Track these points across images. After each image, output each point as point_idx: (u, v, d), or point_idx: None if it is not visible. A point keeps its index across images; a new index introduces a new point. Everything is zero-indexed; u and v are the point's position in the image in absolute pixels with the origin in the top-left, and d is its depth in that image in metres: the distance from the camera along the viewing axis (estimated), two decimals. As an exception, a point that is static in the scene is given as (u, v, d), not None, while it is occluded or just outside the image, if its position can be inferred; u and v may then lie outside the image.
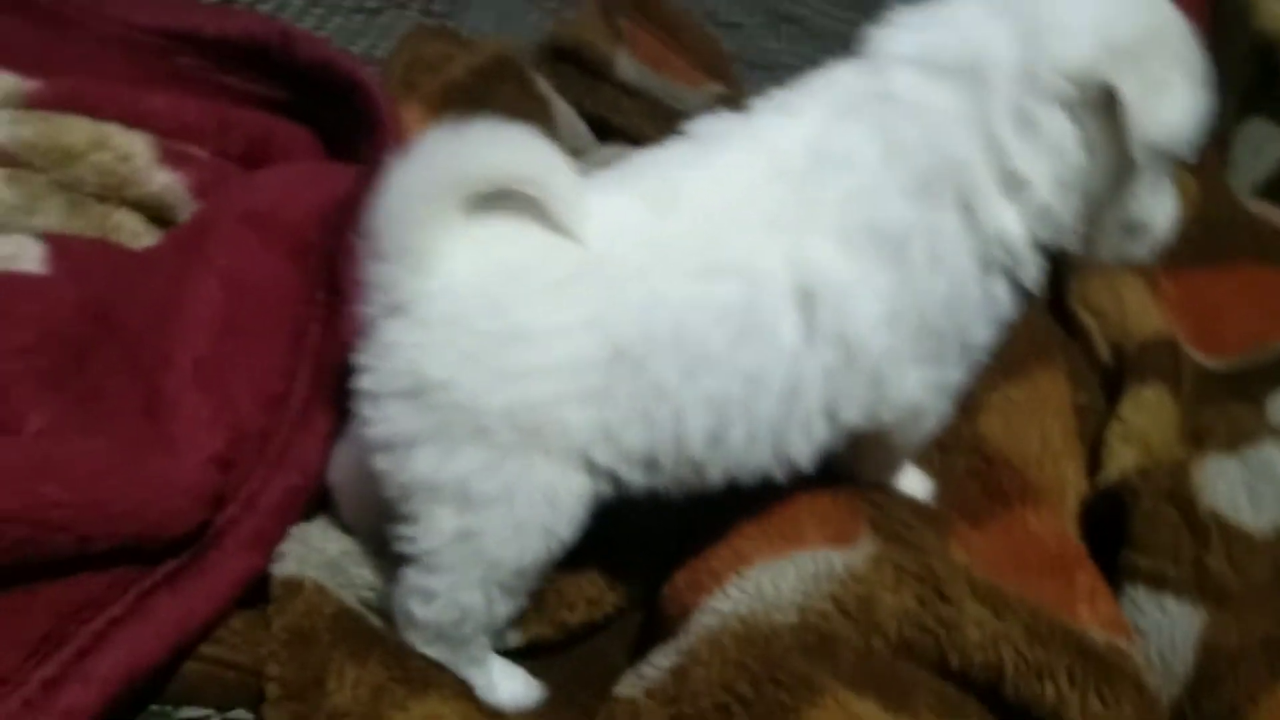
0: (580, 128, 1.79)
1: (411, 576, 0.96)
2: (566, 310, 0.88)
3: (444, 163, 0.86)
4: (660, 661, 0.93)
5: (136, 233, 1.32)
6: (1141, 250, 1.00)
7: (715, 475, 0.95)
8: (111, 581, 1.01)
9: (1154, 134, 0.87)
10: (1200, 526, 1.16)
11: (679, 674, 0.90)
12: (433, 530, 0.92)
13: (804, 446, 0.95)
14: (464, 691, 0.99)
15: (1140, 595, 1.15)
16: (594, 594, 1.10)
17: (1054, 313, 1.63)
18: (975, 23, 0.92)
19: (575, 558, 1.10)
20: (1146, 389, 1.43)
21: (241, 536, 1.07)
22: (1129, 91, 0.86)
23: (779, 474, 0.96)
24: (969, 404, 1.35)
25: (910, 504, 1.08)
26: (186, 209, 1.34)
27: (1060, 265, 1.63)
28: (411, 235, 0.86)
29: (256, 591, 1.06)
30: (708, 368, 0.90)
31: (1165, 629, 1.12)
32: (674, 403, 0.90)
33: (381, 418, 0.89)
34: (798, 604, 0.92)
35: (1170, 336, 1.52)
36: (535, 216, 0.88)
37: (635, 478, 0.93)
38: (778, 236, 0.91)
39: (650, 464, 0.93)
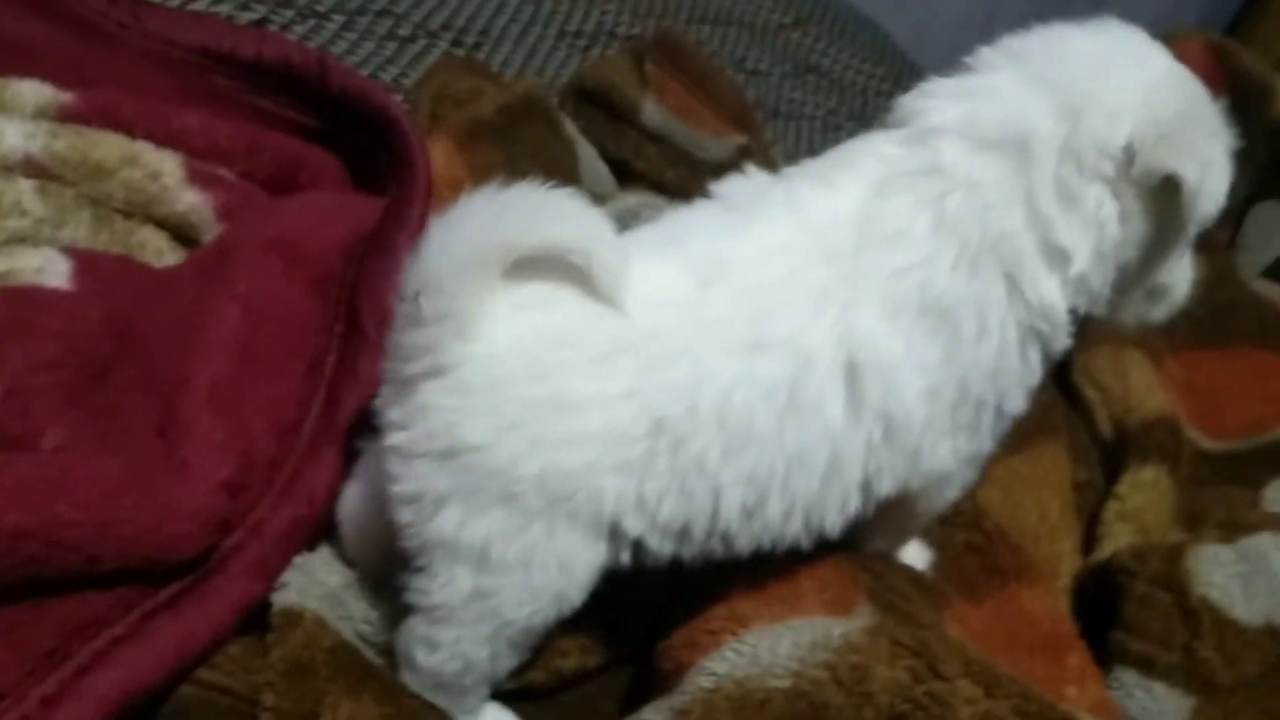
0: (603, 171, 1.81)
1: (419, 625, 0.96)
2: (609, 382, 0.88)
3: (489, 228, 0.86)
4: (653, 717, 0.94)
5: (161, 250, 1.33)
6: (1161, 314, 1.03)
7: (744, 546, 0.96)
8: (115, 601, 1.02)
9: (1209, 212, 0.91)
10: (1192, 613, 1.17)
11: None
12: (448, 587, 0.92)
13: (837, 519, 0.97)
14: (450, 723, 1.00)
15: (1129, 678, 1.17)
16: (588, 643, 1.12)
17: (1059, 387, 1.64)
18: (1016, 96, 0.93)
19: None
20: (1145, 468, 1.45)
21: (246, 563, 1.08)
22: (1190, 175, 0.88)
23: (807, 544, 0.98)
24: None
25: (909, 575, 1.09)
26: (211, 230, 1.35)
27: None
28: (455, 300, 0.86)
29: (255, 619, 1.07)
30: (751, 445, 0.91)
31: (1153, 714, 1.13)
32: (714, 479, 0.91)
33: (411, 476, 0.89)
34: (792, 670, 0.93)
35: (1171, 416, 1.53)
36: (575, 282, 0.89)
37: (665, 548, 0.95)
38: (825, 312, 0.91)
39: (683, 535, 0.94)
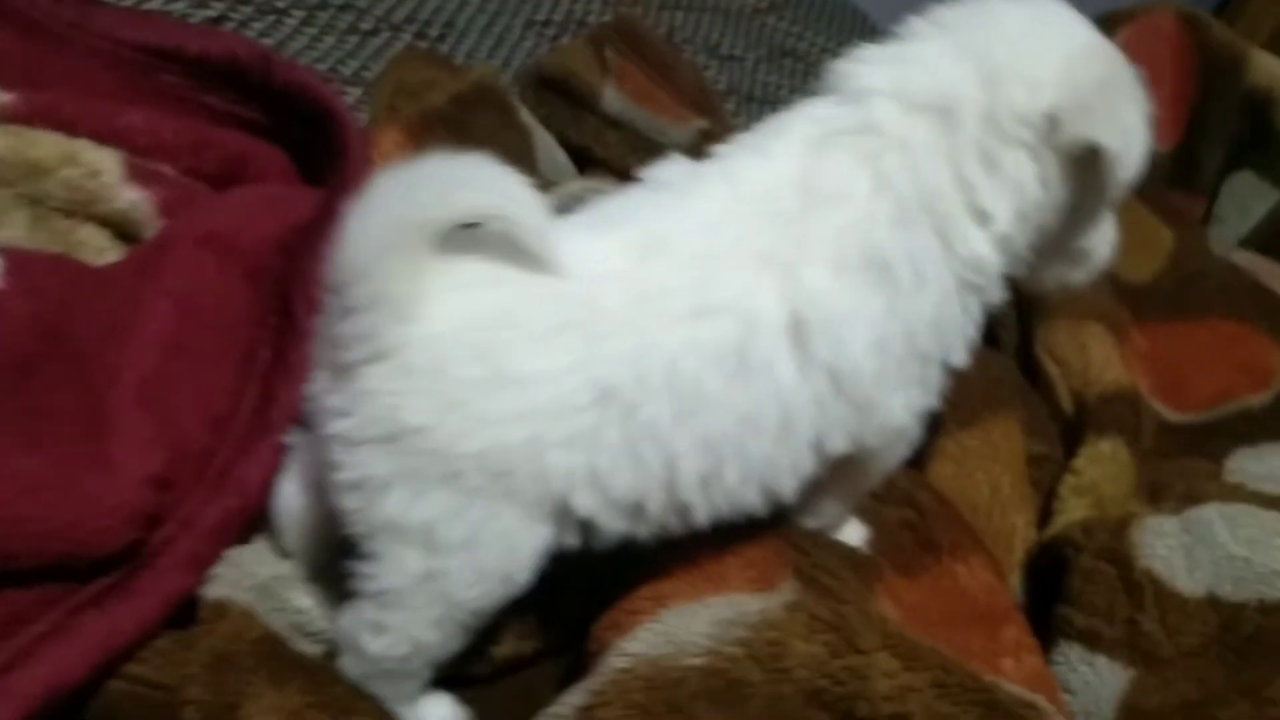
0: (561, 159, 1.80)
1: (366, 610, 0.96)
2: (552, 357, 0.88)
3: (403, 205, 0.86)
4: (571, 700, 0.94)
5: (101, 249, 1.33)
6: (1081, 276, 1.07)
7: (701, 518, 0.96)
8: (38, 598, 1.02)
9: (1130, 177, 0.94)
10: (1135, 586, 1.16)
11: (585, 714, 0.90)
12: (397, 571, 0.92)
13: (791, 481, 0.97)
14: (383, 714, 1.00)
15: (1073, 653, 1.16)
16: (522, 629, 1.11)
17: (1019, 362, 1.63)
18: (943, 63, 0.95)
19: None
20: (1103, 441, 1.44)
21: (176, 557, 1.08)
22: (1112, 144, 0.91)
23: (763, 510, 0.98)
24: (920, 449, 1.36)
25: (841, 552, 1.08)
26: (152, 227, 1.35)
27: (1027, 313, 1.64)
28: (385, 283, 0.86)
29: (185, 612, 1.07)
30: (702, 409, 0.91)
31: (1093, 688, 1.12)
32: (667, 447, 0.91)
33: (354, 463, 0.89)
34: (707, 648, 0.92)
35: (1132, 389, 1.52)
36: (515, 259, 0.89)
37: (617, 525, 0.94)
38: (770, 273, 0.92)
39: (637, 510, 0.93)
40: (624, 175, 1.83)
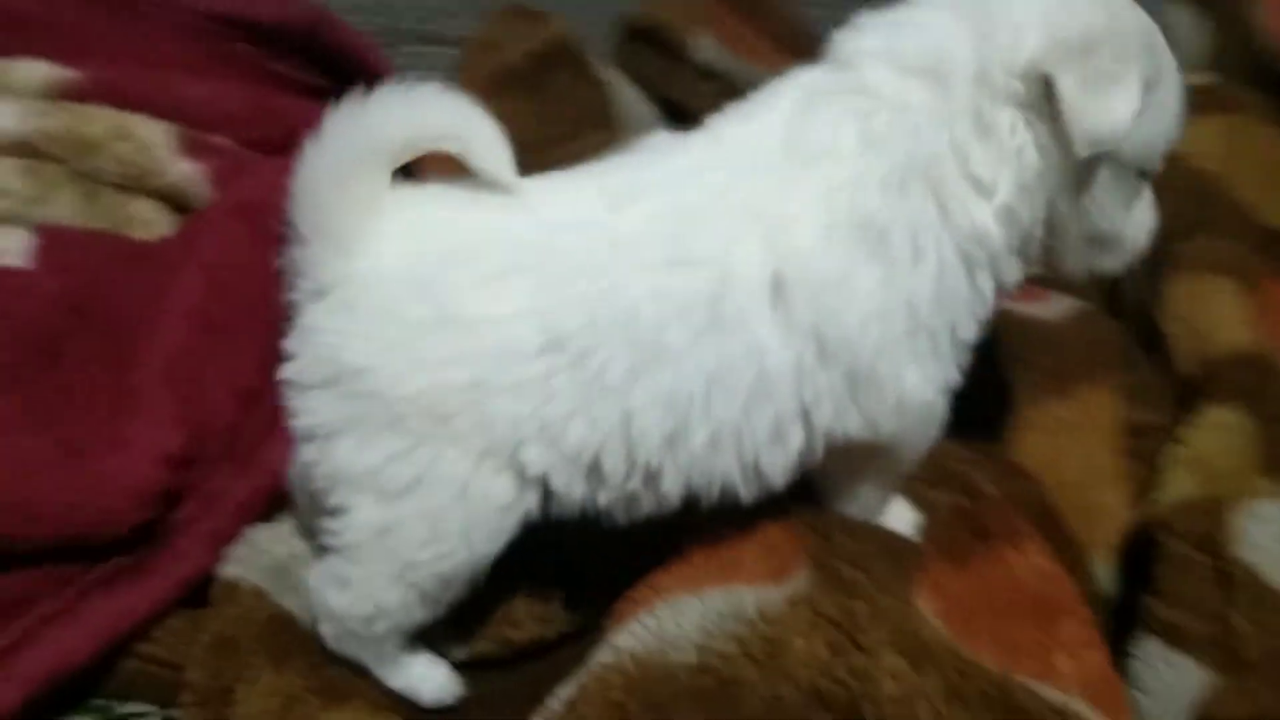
0: (645, 113, 1.73)
1: (331, 564, 0.93)
2: (501, 302, 0.84)
3: (356, 128, 0.83)
4: (562, 693, 0.89)
5: (153, 222, 1.33)
6: (1113, 263, 0.96)
7: (672, 486, 0.89)
8: (49, 577, 1.03)
9: (1096, 130, 0.83)
10: (1228, 579, 1.03)
11: (569, 709, 0.84)
12: (354, 523, 0.89)
13: (776, 456, 0.89)
14: (385, 703, 0.97)
15: (1153, 648, 1.04)
16: (545, 613, 1.06)
17: (1140, 319, 1.49)
18: (939, 25, 0.88)
19: (534, 575, 1.06)
20: (1221, 409, 1.29)
21: (198, 535, 1.07)
22: (1066, 85, 0.82)
23: (747, 489, 0.91)
24: (1010, 421, 1.25)
25: (879, 539, 0.98)
26: (206, 198, 1.34)
27: (1150, 266, 1.49)
28: (331, 214, 0.83)
29: (203, 591, 1.06)
30: (665, 363, 0.85)
31: (1170, 689, 1.01)
32: (623, 401, 0.85)
33: (304, 408, 0.87)
34: (697, 644, 0.85)
35: (1259, 352, 1.36)
36: (478, 204, 0.86)
37: (575, 488, 0.88)
38: (754, 229, 0.86)
39: (594, 470, 0.87)
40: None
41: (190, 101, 1.42)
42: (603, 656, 0.86)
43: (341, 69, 1.46)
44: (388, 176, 0.85)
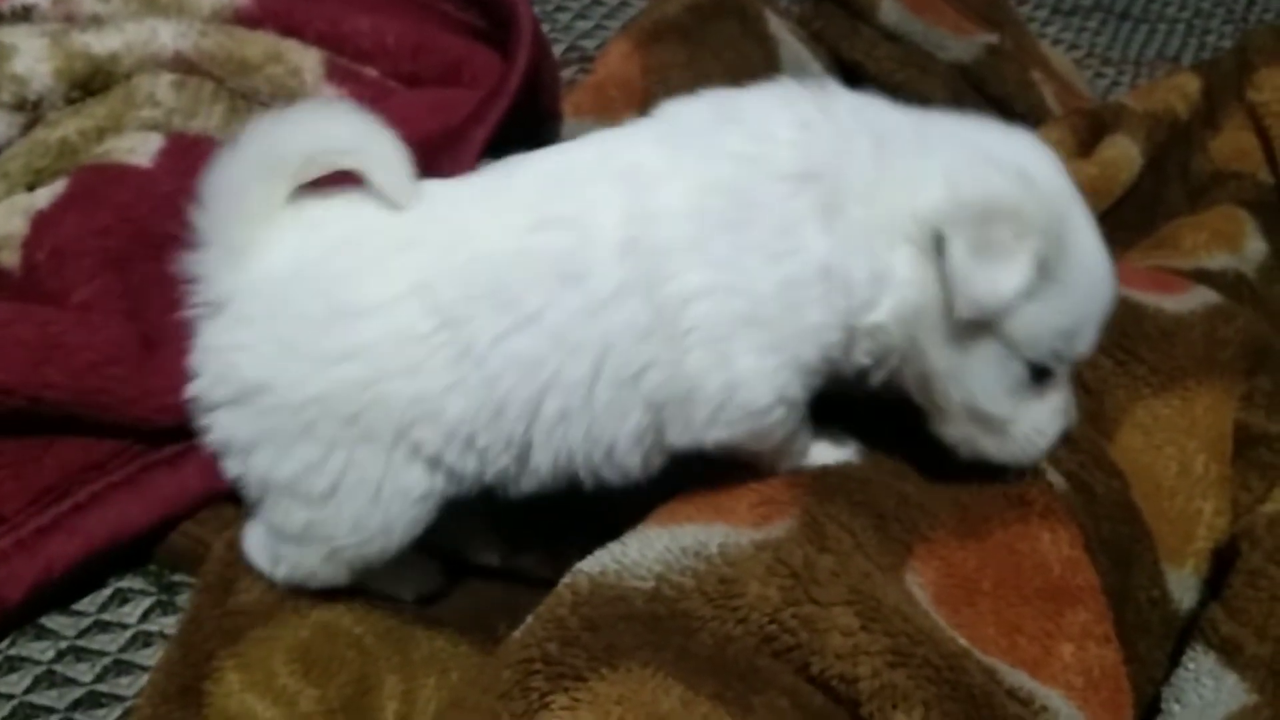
0: (815, 72, 1.69)
1: (266, 540, 0.98)
2: (393, 280, 0.86)
3: (260, 144, 0.86)
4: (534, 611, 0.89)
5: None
6: (1001, 453, 0.92)
7: (542, 461, 0.89)
8: (118, 450, 1.11)
9: (977, 297, 0.82)
10: (1299, 600, 0.95)
11: (528, 626, 0.85)
12: (283, 519, 0.93)
13: (621, 433, 0.88)
14: (373, 602, 1.01)
15: (1205, 663, 0.98)
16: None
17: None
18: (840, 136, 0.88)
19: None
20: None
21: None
22: (956, 246, 0.82)
23: (609, 471, 0.90)
24: (1107, 413, 1.18)
25: (874, 507, 0.93)
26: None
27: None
28: (225, 223, 0.87)
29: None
30: (523, 326, 0.85)
31: (1209, 706, 0.93)
32: (488, 368, 0.85)
33: (215, 425, 0.90)
34: (656, 573, 0.84)
35: None
36: (368, 201, 0.88)
37: (468, 464, 0.89)
38: (625, 187, 0.86)
39: (471, 443, 0.88)
40: (894, 91, 1.71)
41: (349, 33, 1.49)
42: (565, 578, 0.86)
43: (498, 15, 1.49)
44: (285, 191, 0.87)
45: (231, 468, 0.91)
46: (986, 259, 0.81)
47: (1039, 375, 0.88)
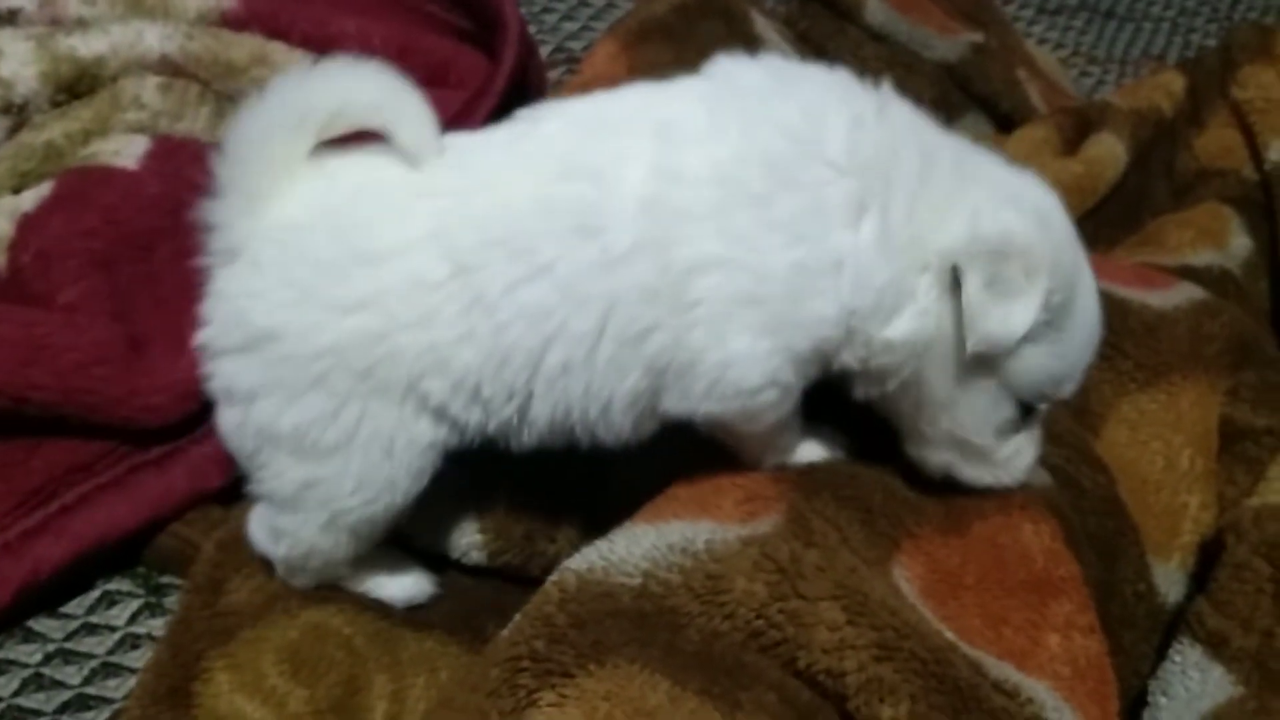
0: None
1: (264, 514, 0.97)
2: (410, 226, 0.85)
3: (288, 96, 0.86)
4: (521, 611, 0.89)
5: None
6: (977, 478, 0.94)
7: (541, 415, 0.89)
8: (105, 451, 1.10)
9: (989, 332, 0.83)
10: (1284, 592, 0.95)
11: (516, 623, 0.85)
12: (279, 478, 0.91)
13: (619, 391, 0.87)
14: (363, 604, 1.00)
15: (1192, 655, 0.98)
16: (575, 535, 1.05)
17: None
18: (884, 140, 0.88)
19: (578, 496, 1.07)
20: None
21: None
22: (972, 282, 0.83)
23: (604, 429, 0.90)
24: (1093, 408, 1.18)
25: (869, 503, 0.93)
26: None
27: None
28: (246, 171, 0.86)
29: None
30: (534, 276, 0.84)
31: (1195, 698, 0.94)
32: (496, 315, 0.85)
33: (220, 371, 0.90)
34: (643, 570, 0.84)
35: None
36: (387, 152, 0.88)
37: (472, 416, 0.89)
38: (653, 143, 0.85)
39: (476, 394, 0.87)
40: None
41: (335, 35, 1.49)
42: (553, 575, 0.86)
43: (484, 16, 1.50)
44: (308, 145, 0.87)
45: (229, 418, 0.90)
46: (1000, 295, 0.82)
47: (1025, 412, 0.90)
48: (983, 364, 0.86)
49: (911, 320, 0.86)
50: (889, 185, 0.84)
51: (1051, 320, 0.85)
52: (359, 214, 0.86)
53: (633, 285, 0.84)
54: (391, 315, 0.85)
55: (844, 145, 0.85)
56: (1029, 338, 0.84)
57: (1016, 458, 0.93)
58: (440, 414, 0.88)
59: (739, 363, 0.85)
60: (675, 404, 0.88)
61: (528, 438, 0.91)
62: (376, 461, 0.89)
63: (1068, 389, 0.91)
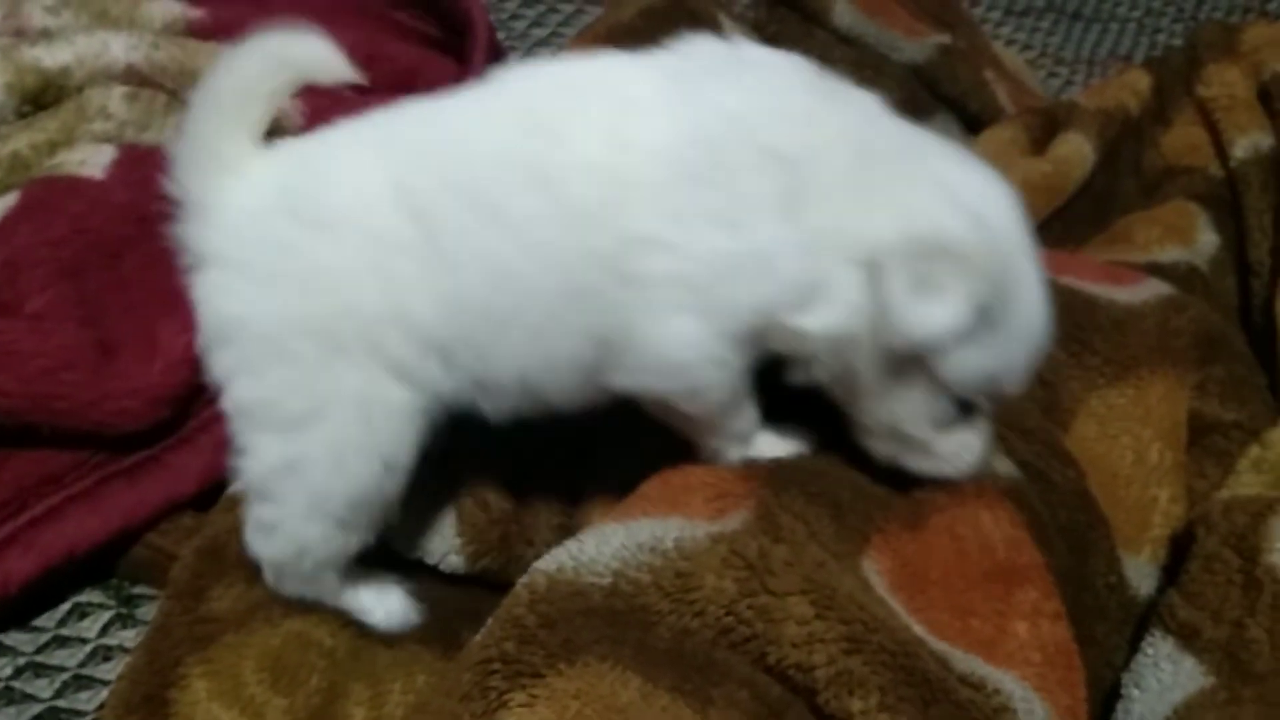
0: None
1: (253, 510, 0.96)
2: (364, 184, 0.86)
3: (228, 73, 0.88)
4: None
5: (247, 153, 1.39)
6: (925, 468, 0.93)
7: (502, 376, 0.89)
8: (76, 462, 1.10)
9: (909, 330, 0.82)
10: (1255, 584, 0.96)
11: (489, 627, 0.85)
12: (259, 460, 0.91)
13: (566, 347, 0.87)
14: (346, 619, 1.00)
15: (1164, 648, 0.98)
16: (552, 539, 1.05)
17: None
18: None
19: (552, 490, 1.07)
20: (1313, 411, 1.19)
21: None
22: (895, 279, 0.82)
23: (555, 392, 0.90)
24: (1062, 403, 1.19)
25: (837, 500, 0.93)
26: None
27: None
28: (202, 185, 0.88)
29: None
30: (489, 223, 0.84)
31: (1166, 690, 0.94)
32: (453, 265, 0.85)
33: (211, 370, 0.91)
34: (613, 569, 0.84)
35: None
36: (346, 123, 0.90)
37: (433, 370, 0.88)
38: (613, 112, 0.85)
39: (433, 347, 0.87)
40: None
41: (306, 43, 1.48)
42: (523, 577, 0.86)
43: (453, 22, 1.50)
44: (246, 138, 0.89)
45: (225, 405, 0.91)
46: (922, 294, 0.81)
47: (965, 408, 0.89)
48: (910, 361, 0.85)
49: (831, 313, 0.85)
50: (817, 176, 0.84)
51: (988, 321, 0.83)
52: (314, 184, 0.87)
53: (580, 245, 0.84)
54: (351, 272, 0.85)
55: (777, 132, 0.84)
56: (958, 336, 0.83)
57: (963, 450, 0.92)
58: (402, 372, 0.88)
59: (670, 340, 0.85)
60: (615, 376, 0.88)
61: (496, 404, 0.91)
62: (352, 433, 0.89)
63: (1009, 388, 0.90)
